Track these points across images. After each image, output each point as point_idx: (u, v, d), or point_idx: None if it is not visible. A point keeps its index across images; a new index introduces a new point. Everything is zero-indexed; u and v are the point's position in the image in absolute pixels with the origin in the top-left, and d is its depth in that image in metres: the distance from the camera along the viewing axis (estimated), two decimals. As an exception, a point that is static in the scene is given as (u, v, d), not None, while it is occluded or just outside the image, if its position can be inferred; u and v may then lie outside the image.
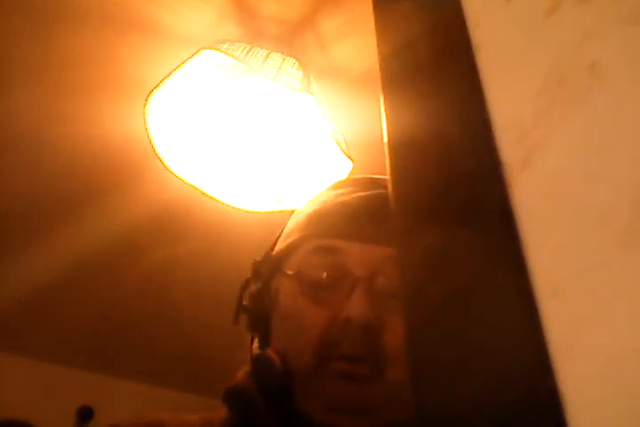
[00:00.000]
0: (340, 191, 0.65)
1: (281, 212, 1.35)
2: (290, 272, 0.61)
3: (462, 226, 0.30)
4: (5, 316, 2.01)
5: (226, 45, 1.18)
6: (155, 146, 1.27)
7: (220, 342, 2.09)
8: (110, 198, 1.68)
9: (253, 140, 1.34)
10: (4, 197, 1.73)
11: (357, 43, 1.35)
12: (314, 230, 0.62)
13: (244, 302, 0.65)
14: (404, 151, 0.35)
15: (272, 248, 0.67)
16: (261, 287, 0.64)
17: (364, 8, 1.21)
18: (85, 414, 1.93)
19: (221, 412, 0.64)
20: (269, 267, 0.65)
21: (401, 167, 0.35)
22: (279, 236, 0.68)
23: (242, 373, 0.64)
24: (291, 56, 1.23)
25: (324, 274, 0.59)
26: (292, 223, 0.67)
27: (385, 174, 0.36)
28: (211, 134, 1.32)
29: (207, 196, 1.35)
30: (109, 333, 2.15)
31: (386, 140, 0.36)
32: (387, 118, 0.37)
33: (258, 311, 0.63)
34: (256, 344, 0.65)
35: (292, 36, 1.35)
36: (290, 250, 0.64)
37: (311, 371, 0.56)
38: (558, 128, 0.27)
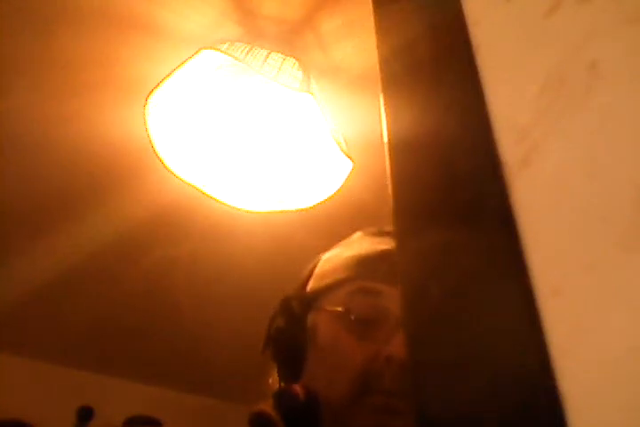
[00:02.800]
0: (377, 239, 0.72)
1: (281, 212, 1.35)
2: (336, 309, 0.66)
3: (462, 226, 0.30)
4: (5, 316, 2.01)
5: (226, 45, 1.18)
6: (155, 146, 1.27)
7: (220, 341, 2.09)
8: (110, 198, 1.68)
9: (253, 140, 1.34)
10: (4, 196, 1.73)
11: (357, 43, 1.35)
12: (356, 273, 0.68)
13: (273, 335, 0.70)
14: (403, 151, 0.35)
15: (303, 286, 0.72)
16: (293, 322, 0.69)
17: (364, 8, 1.21)
18: (85, 414, 1.93)
19: None
20: (303, 303, 0.70)
21: (401, 167, 0.35)
22: (309, 275, 0.73)
23: (267, 402, 0.67)
24: (291, 56, 1.23)
25: (370, 312, 0.64)
26: (327, 265, 0.73)
27: (385, 174, 0.36)
28: (211, 134, 1.32)
29: (207, 196, 1.35)
30: (109, 333, 2.15)
31: (386, 140, 0.36)
32: (387, 118, 0.37)
33: (288, 344, 0.68)
34: (275, 376, 0.69)
35: (292, 36, 1.35)
36: (329, 289, 0.69)
37: (348, 402, 0.61)
38: (558, 128, 0.27)
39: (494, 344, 0.26)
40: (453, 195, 0.31)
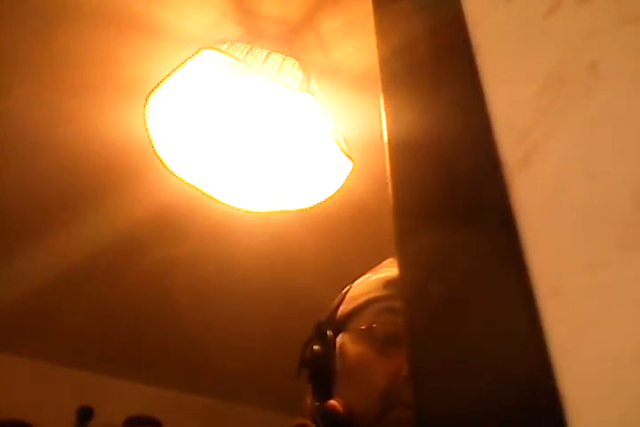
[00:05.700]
0: None
1: (281, 212, 1.35)
2: (360, 327, 0.70)
3: (462, 226, 0.30)
4: (5, 316, 2.01)
5: (226, 45, 1.17)
6: (155, 146, 1.27)
7: (219, 341, 2.09)
8: (110, 199, 1.68)
9: (253, 140, 1.34)
10: (4, 196, 1.73)
11: (357, 43, 1.35)
12: (380, 294, 0.72)
13: (307, 359, 0.74)
14: (403, 151, 0.35)
15: (335, 311, 0.76)
16: (325, 346, 0.73)
17: (364, 8, 1.21)
18: (85, 414, 1.93)
19: None
20: (334, 327, 0.74)
21: (401, 167, 0.35)
22: (340, 301, 0.78)
23: (305, 418, 0.71)
24: (291, 56, 1.23)
25: (392, 330, 0.68)
26: (356, 290, 0.77)
27: (385, 174, 0.36)
28: (211, 134, 1.32)
29: (207, 196, 1.35)
30: (109, 333, 2.15)
31: (386, 140, 0.36)
32: (387, 118, 0.37)
33: (320, 367, 0.72)
34: (311, 396, 0.73)
35: (292, 36, 1.35)
36: (356, 311, 0.73)
37: (375, 417, 0.64)
38: (558, 128, 0.27)
39: (494, 344, 0.26)
40: (453, 195, 0.31)
